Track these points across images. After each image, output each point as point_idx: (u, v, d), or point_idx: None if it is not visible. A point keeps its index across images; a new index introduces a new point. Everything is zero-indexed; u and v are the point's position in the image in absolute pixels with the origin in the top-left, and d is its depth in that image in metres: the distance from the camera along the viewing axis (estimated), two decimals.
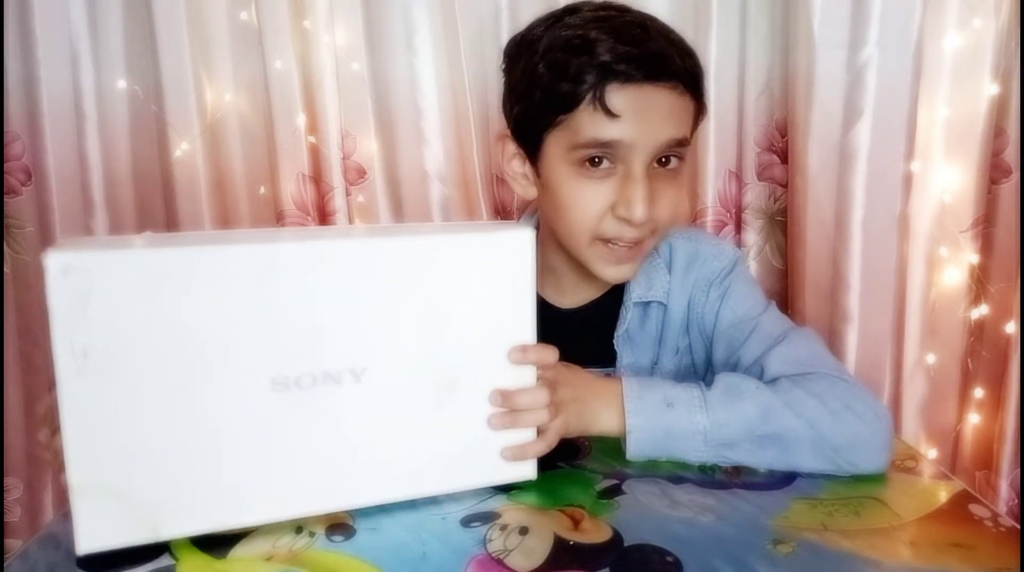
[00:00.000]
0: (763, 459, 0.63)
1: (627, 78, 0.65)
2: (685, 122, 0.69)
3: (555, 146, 0.70)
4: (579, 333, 0.78)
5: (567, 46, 0.67)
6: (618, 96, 0.66)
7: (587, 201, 0.69)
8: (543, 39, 0.69)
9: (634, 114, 0.66)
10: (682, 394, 0.64)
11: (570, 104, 0.67)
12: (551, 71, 0.68)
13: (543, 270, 0.78)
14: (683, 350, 0.82)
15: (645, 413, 0.63)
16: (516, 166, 0.76)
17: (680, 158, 0.71)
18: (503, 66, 0.75)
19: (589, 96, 0.66)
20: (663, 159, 0.69)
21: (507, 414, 0.59)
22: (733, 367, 0.75)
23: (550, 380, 0.61)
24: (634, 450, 0.63)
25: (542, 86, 0.68)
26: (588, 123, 0.67)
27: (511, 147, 0.75)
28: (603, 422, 0.64)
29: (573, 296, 0.81)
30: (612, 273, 0.73)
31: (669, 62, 0.66)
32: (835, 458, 0.63)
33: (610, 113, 0.66)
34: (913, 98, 0.92)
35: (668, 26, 0.71)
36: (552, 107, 0.68)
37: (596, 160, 0.68)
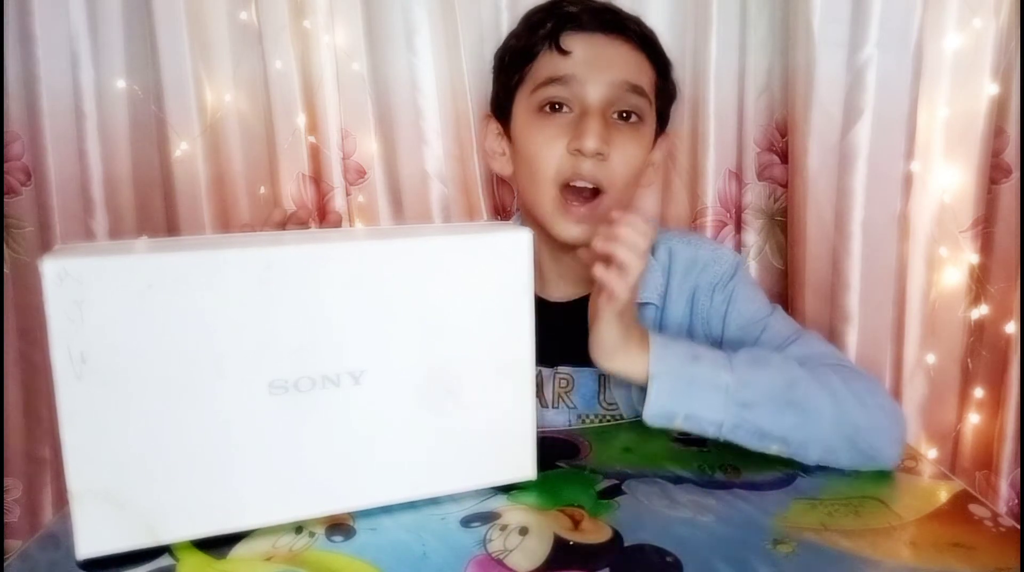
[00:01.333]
0: (782, 425, 0.62)
1: (579, 25, 0.73)
2: (641, 74, 0.75)
3: (522, 100, 0.77)
4: (568, 329, 0.79)
5: (531, 13, 0.78)
6: (572, 39, 0.73)
7: (547, 141, 0.74)
8: (515, 28, 0.80)
9: (586, 54, 0.73)
10: (708, 352, 0.65)
11: (531, 54, 0.75)
12: (517, 34, 0.78)
13: None
14: None
15: (669, 360, 0.63)
16: (494, 143, 0.82)
17: (639, 115, 0.75)
18: (492, 67, 0.84)
19: (547, 42, 0.74)
20: (624, 114, 0.74)
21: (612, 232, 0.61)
22: None
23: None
24: (656, 399, 0.62)
25: (510, 51, 0.78)
26: (546, 65, 0.75)
27: (493, 126, 0.82)
28: (632, 356, 0.63)
29: (557, 288, 0.82)
30: (571, 231, 0.75)
31: (622, 19, 0.74)
32: (855, 438, 0.63)
33: (563, 51, 0.73)
34: (913, 98, 0.92)
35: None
36: (519, 62, 0.77)
37: (556, 106, 0.74)
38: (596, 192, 0.74)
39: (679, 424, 0.63)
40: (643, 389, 0.63)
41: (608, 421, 0.81)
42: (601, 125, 0.72)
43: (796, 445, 0.63)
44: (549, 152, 0.73)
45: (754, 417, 0.62)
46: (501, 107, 0.80)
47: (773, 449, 0.63)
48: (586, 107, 0.73)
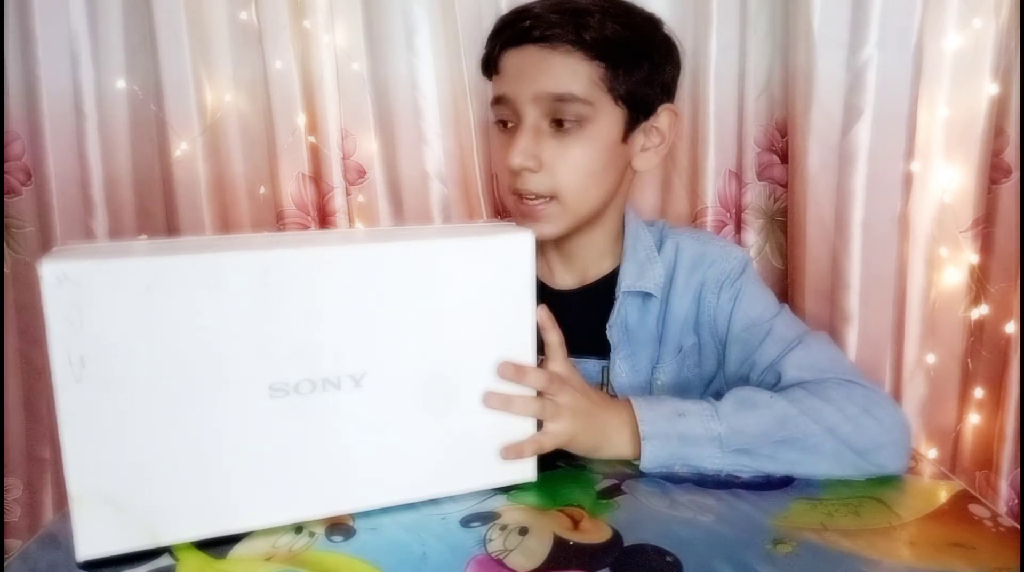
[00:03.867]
0: (784, 464, 0.64)
1: (515, 42, 0.74)
2: (572, 79, 0.72)
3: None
4: (570, 317, 0.79)
5: (497, 22, 0.79)
6: (507, 57, 0.75)
7: (499, 157, 0.77)
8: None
9: (514, 70, 0.75)
10: (692, 406, 0.65)
11: (488, 70, 0.79)
12: (487, 43, 0.79)
13: None
14: (688, 350, 0.81)
15: (657, 423, 0.64)
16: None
17: (576, 120, 0.73)
18: None
19: (493, 63, 0.77)
20: (558, 121, 0.73)
21: (503, 396, 0.59)
22: (748, 370, 0.76)
23: (561, 377, 0.62)
24: (649, 457, 0.63)
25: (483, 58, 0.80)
26: (495, 84, 0.78)
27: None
28: (615, 444, 0.65)
29: (562, 276, 0.83)
30: (537, 230, 0.74)
31: (552, 24, 0.71)
32: (858, 463, 0.64)
33: (498, 72, 0.76)
34: (913, 98, 0.92)
35: (628, 9, 0.76)
36: (487, 75, 0.80)
37: (505, 123, 0.76)
38: (539, 195, 0.75)
39: (678, 470, 0.64)
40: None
41: None
42: (529, 140, 0.73)
43: (803, 476, 0.64)
44: (501, 166, 0.76)
45: (753, 462, 0.64)
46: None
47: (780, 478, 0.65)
48: (521, 123, 0.74)
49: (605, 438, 0.65)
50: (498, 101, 0.76)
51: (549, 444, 0.62)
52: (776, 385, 0.71)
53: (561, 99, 0.72)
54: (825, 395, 0.66)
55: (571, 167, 0.74)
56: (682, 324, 0.81)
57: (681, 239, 0.83)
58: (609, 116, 0.75)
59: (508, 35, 0.75)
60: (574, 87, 0.72)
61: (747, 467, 0.64)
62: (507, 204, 0.79)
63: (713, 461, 0.64)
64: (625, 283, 0.80)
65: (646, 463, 0.64)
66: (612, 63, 0.73)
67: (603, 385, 0.82)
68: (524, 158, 0.72)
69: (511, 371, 0.59)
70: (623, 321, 0.81)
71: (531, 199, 0.74)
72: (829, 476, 0.64)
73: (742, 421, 0.64)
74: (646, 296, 0.81)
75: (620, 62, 0.73)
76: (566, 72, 0.72)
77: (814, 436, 0.63)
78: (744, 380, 0.76)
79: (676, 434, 0.63)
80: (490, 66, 0.78)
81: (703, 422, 0.64)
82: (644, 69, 0.75)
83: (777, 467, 0.64)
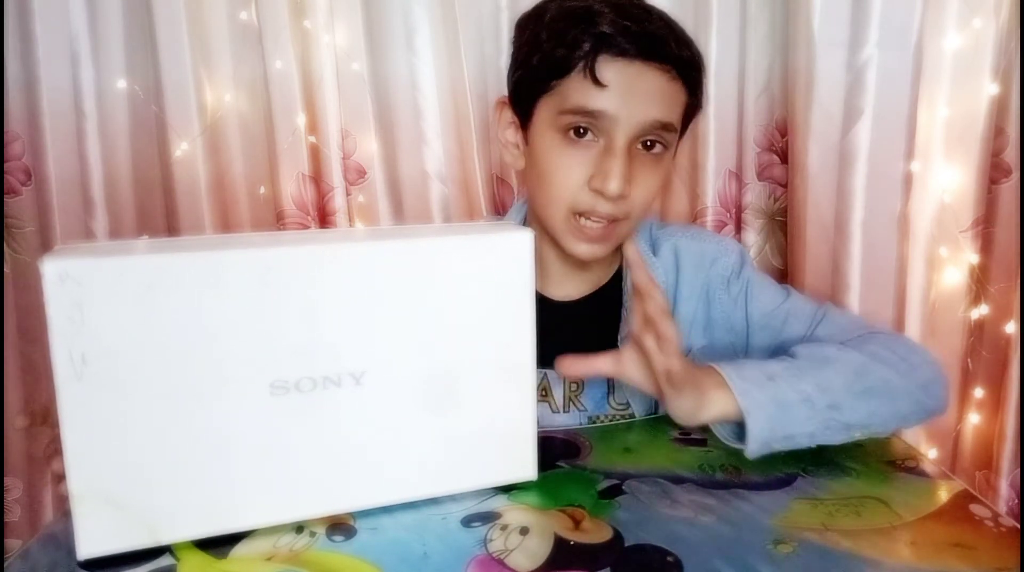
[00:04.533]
0: (865, 413, 0.64)
1: (620, 51, 0.66)
2: (673, 108, 0.70)
3: (545, 111, 0.71)
4: (574, 329, 0.78)
5: (570, 15, 0.69)
6: (609, 67, 0.67)
7: (566, 170, 0.70)
8: (549, 10, 0.71)
9: (621, 87, 0.67)
10: (777, 367, 0.64)
11: (563, 69, 0.68)
12: (551, 38, 0.69)
13: None
14: (697, 353, 0.80)
15: (752, 393, 0.62)
16: (510, 134, 0.77)
17: (664, 145, 0.71)
18: (512, 38, 0.76)
19: (581, 64, 0.67)
20: (648, 143, 0.70)
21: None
22: (778, 349, 0.75)
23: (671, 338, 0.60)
24: (757, 433, 0.61)
25: (541, 52, 0.70)
26: (577, 90, 0.68)
27: (507, 114, 0.77)
28: (713, 405, 0.62)
29: (560, 287, 0.81)
30: (583, 250, 0.72)
31: (664, 44, 0.67)
32: (923, 400, 0.67)
33: (598, 82, 0.67)
34: (913, 98, 0.92)
35: (671, 17, 0.72)
36: (547, 72, 0.69)
37: (581, 130, 0.69)
38: (613, 218, 0.72)
39: (776, 447, 0.63)
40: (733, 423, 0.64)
41: (614, 421, 0.80)
42: (626, 165, 0.68)
43: (878, 426, 0.65)
44: (567, 181, 0.70)
45: (840, 416, 0.63)
46: (520, 101, 0.75)
47: (856, 436, 0.65)
48: (612, 142, 0.68)
49: (702, 402, 0.62)
50: (586, 111, 0.68)
51: (677, 367, 0.60)
52: None
53: (665, 127, 0.69)
54: (875, 340, 0.69)
55: (648, 191, 0.72)
56: (690, 327, 0.80)
57: (677, 240, 0.82)
58: (675, 144, 0.74)
59: (611, 41, 0.66)
60: (673, 116, 0.70)
61: (835, 422, 0.63)
62: (553, 220, 0.72)
63: (808, 424, 0.62)
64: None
65: (753, 439, 0.61)
66: (695, 90, 0.72)
67: (610, 393, 0.81)
68: (623, 184, 0.68)
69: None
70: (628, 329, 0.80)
71: (597, 221, 0.71)
72: (902, 420, 0.67)
73: (824, 377, 0.63)
74: None
75: (699, 87, 0.72)
76: (672, 102, 0.70)
77: (889, 379, 0.65)
78: None
79: (773, 402, 0.62)
80: (566, 69, 0.68)
81: (793, 384, 0.62)
82: (700, 101, 0.75)
83: (859, 418, 0.64)
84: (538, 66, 0.70)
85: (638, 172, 0.70)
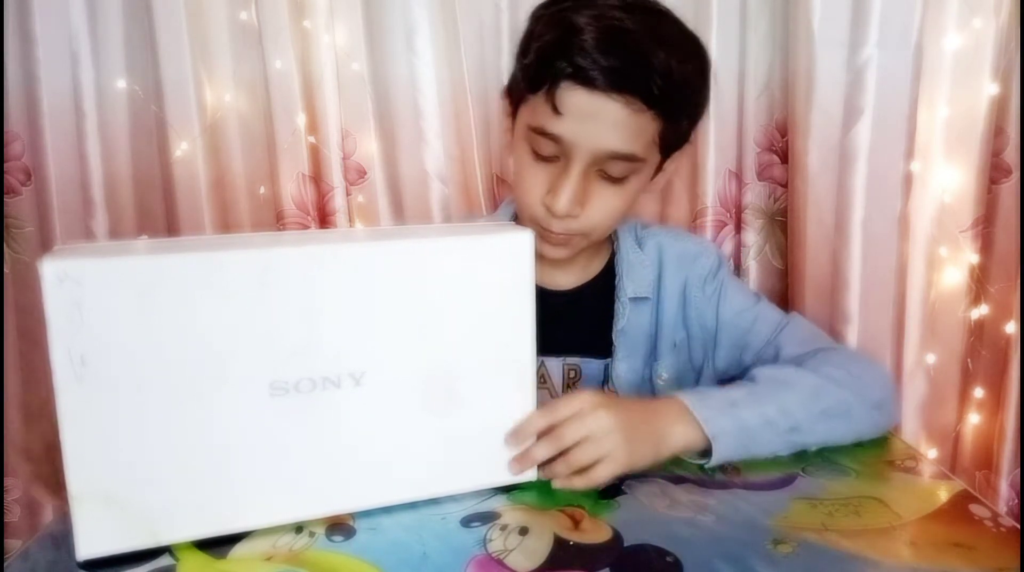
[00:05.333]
0: (824, 434, 0.67)
1: (586, 80, 0.65)
2: (638, 138, 0.69)
3: (522, 119, 0.73)
4: (571, 317, 0.79)
5: (558, 25, 0.68)
6: (571, 96, 0.66)
7: (529, 182, 0.72)
8: (550, 10, 0.71)
9: (580, 116, 0.67)
10: (738, 393, 0.67)
11: (534, 86, 0.69)
12: (538, 49, 0.69)
13: None
14: (680, 345, 0.84)
15: (718, 420, 0.64)
16: (508, 123, 0.78)
17: (628, 173, 0.71)
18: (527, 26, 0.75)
19: (547, 87, 0.67)
20: (607, 173, 0.70)
21: (525, 457, 0.60)
22: (740, 353, 0.81)
23: (579, 408, 0.61)
24: (722, 456, 0.64)
25: (527, 55, 0.71)
26: (541, 111, 0.69)
27: (505, 104, 0.78)
28: (676, 436, 0.63)
29: (553, 277, 0.82)
30: (547, 251, 0.75)
31: (633, 78, 0.65)
32: (877, 418, 0.70)
33: (556, 109, 0.67)
34: (913, 98, 0.92)
35: (678, 37, 0.71)
36: (525, 83, 0.71)
37: (545, 148, 0.70)
38: (579, 235, 0.74)
39: (736, 462, 0.66)
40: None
41: None
42: (577, 187, 0.69)
43: (835, 443, 0.68)
44: (529, 196, 0.72)
45: (800, 437, 0.67)
46: (510, 97, 0.77)
47: (813, 450, 0.68)
48: (569, 164, 0.69)
49: (663, 437, 0.63)
50: (545, 134, 0.69)
51: (606, 475, 0.60)
52: (775, 359, 0.77)
53: (622, 158, 0.69)
54: (830, 361, 0.71)
55: (607, 212, 0.73)
56: (674, 321, 0.83)
57: (661, 239, 0.85)
58: (651, 165, 0.74)
59: (577, 70, 0.65)
60: (636, 147, 0.69)
61: (795, 444, 0.67)
62: (525, 221, 0.75)
63: (771, 446, 0.66)
64: (630, 289, 0.81)
65: (716, 461, 0.64)
66: (673, 117, 0.70)
67: (604, 384, 0.82)
68: (571, 206, 0.70)
69: (519, 436, 0.59)
70: (623, 324, 0.81)
71: (558, 235, 0.73)
72: (857, 436, 0.69)
73: (784, 400, 0.66)
74: (640, 299, 0.82)
75: (679, 113, 0.71)
76: (635, 133, 0.68)
77: (844, 400, 0.68)
78: (736, 362, 0.81)
79: (737, 428, 0.64)
80: (537, 86, 0.69)
81: (756, 409, 0.65)
82: (697, 111, 0.74)
83: (818, 438, 0.67)
84: (523, 70, 0.72)
85: (595, 195, 0.71)
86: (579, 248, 0.76)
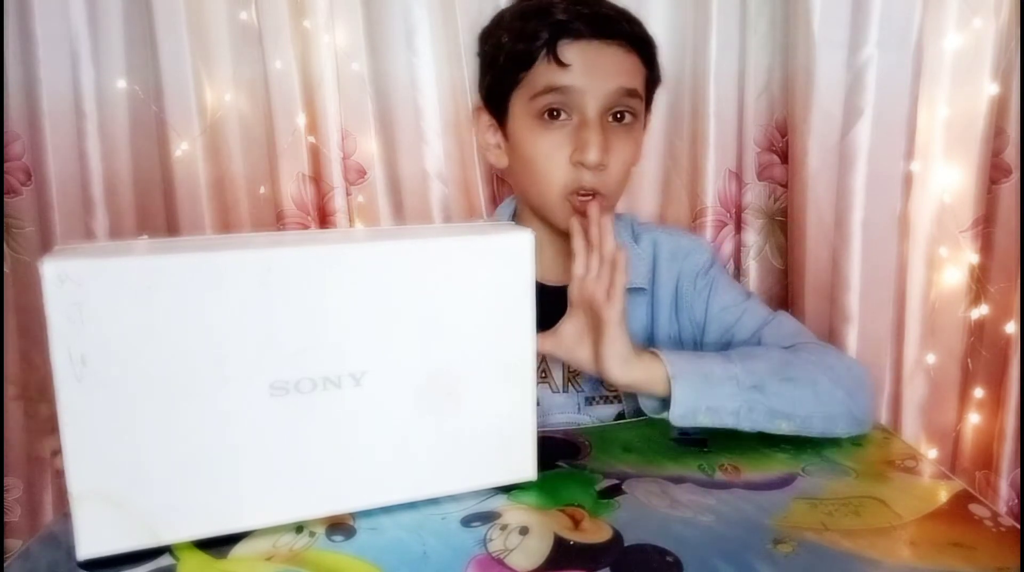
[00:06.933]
0: (788, 400, 0.68)
1: (576, 34, 0.72)
2: (635, 76, 0.76)
3: (519, 103, 0.77)
4: (564, 311, 0.80)
5: (526, 13, 0.76)
6: (569, 49, 0.73)
7: (548, 151, 0.75)
8: (505, 15, 0.79)
9: (584, 64, 0.73)
10: (706, 353, 0.72)
11: (528, 60, 0.74)
12: (512, 37, 0.76)
13: None
14: (673, 337, 0.86)
15: (682, 364, 0.68)
16: (490, 137, 0.82)
17: (633, 114, 0.77)
18: (477, 51, 0.83)
19: (544, 51, 0.73)
20: (618, 114, 0.76)
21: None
22: (727, 345, 0.82)
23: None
24: (681, 398, 0.66)
25: (505, 51, 0.76)
26: (544, 74, 0.74)
27: (485, 118, 0.82)
28: (646, 367, 0.68)
29: (554, 271, 0.83)
30: (585, 217, 0.77)
31: (616, 23, 0.74)
32: (849, 403, 0.70)
33: (561, 63, 0.72)
34: (913, 98, 0.92)
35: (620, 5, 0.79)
36: (513, 66, 0.75)
37: (554, 112, 0.74)
38: (595, 193, 0.76)
39: (701, 419, 0.67)
40: (654, 397, 0.70)
41: (611, 403, 0.84)
42: (601, 135, 0.73)
43: (802, 419, 0.68)
44: (552, 164, 0.75)
45: (764, 398, 0.67)
46: (495, 102, 0.80)
47: (783, 427, 0.68)
48: (585, 116, 0.74)
49: (638, 355, 0.68)
50: (556, 91, 0.73)
51: (616, 317, 0.67)
52: None
53: (630, 94, 0.75)
54: (808, 349, 0.75)
55: (623, 161, 0.77)
56: (668, 312, 0.85)
57: (656, 235, 0.87)
58: (643, 115, 0.80)
59: (569, 25, 0.72)
60: (636, 83, 0.76)
61: (759, 403, 0.67)
62: (550, 204, 0.77)
63: (732, 399, 0.67)
64: (635, 282, 0.83)
65: (678, 404, 0.66)
66: (649, 64, 0.78)
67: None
68: (602, 153, 0.73)
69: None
70: None
71: (586, 196, 0.75)
72: (829, 421, 0.69)
73: (752, 363, 0.69)
74: (636, 289, 0.84)
75: (653, 60, 0.79)
76: (633, 68, 0.76)
77: (813, 375, 0.70)
78: None
79: (702, 373, 0.67)
80: (531, 58, 0.74)
81: (722, 364, 0.68)
82: (657, 74, 0.81)
83: (782, 404, 0.68)
84: (504, 64, 0.76)
85: (613, 143, 0.75)
86: (609, 209, 0.78)
